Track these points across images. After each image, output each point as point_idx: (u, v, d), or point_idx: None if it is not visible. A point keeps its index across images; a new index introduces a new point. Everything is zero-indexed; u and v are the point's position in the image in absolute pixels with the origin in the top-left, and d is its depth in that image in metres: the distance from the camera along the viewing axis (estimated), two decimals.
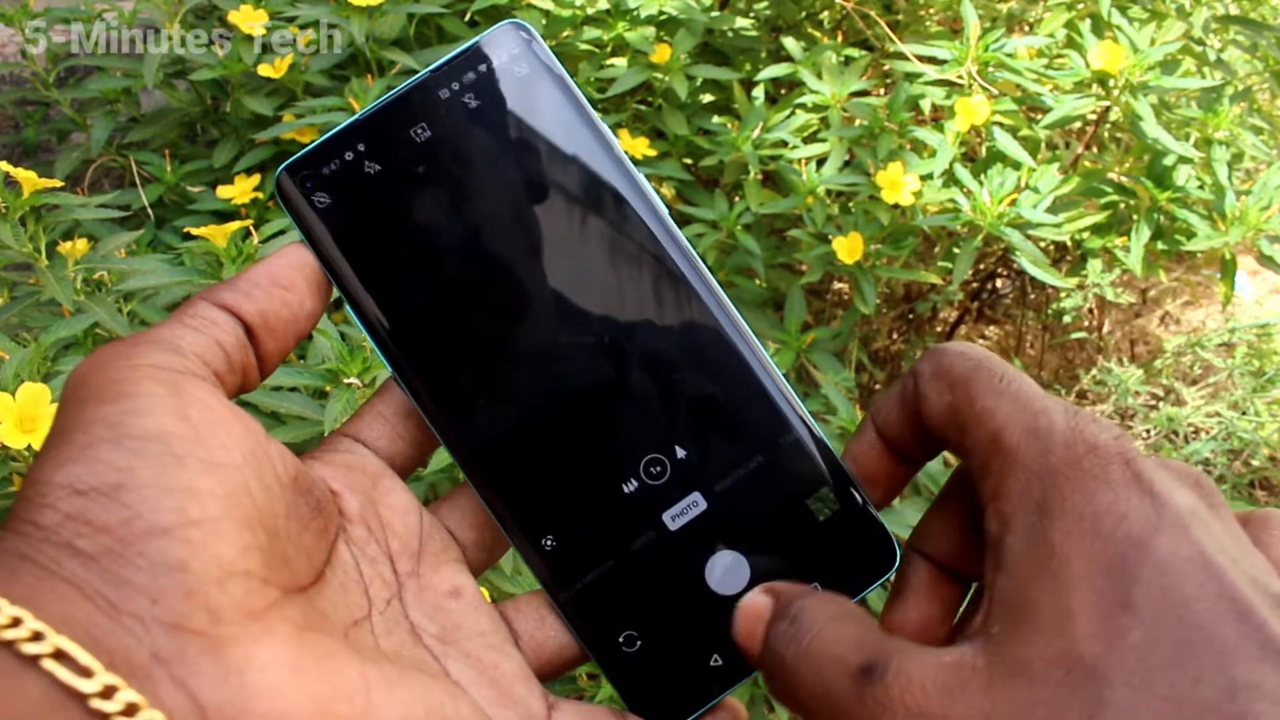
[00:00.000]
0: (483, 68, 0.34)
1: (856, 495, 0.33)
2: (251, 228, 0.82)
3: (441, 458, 0.71)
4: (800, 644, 0.28)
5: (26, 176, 0.76)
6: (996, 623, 0.26)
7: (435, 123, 0.34)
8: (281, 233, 0.87)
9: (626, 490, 0.33)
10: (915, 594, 0.32)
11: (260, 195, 1.13)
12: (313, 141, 0.34)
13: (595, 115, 0.34)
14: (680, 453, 0.34)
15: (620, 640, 0.33)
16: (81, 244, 0.83)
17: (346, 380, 0.73)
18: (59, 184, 0.78)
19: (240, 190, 1.11)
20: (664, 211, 0.34)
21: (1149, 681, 0.23)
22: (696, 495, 0.34)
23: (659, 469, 0.34)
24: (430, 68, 0.34)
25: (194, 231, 0.78)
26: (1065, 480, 0.26)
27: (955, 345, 0.30)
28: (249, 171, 1.15)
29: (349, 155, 0.33)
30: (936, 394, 0.30)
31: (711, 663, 0.33)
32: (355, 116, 0.34)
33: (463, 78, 0.34)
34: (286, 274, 0.32)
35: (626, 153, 0.34)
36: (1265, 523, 0.27)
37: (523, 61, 0.34)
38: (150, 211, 1.15)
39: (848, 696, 0.26)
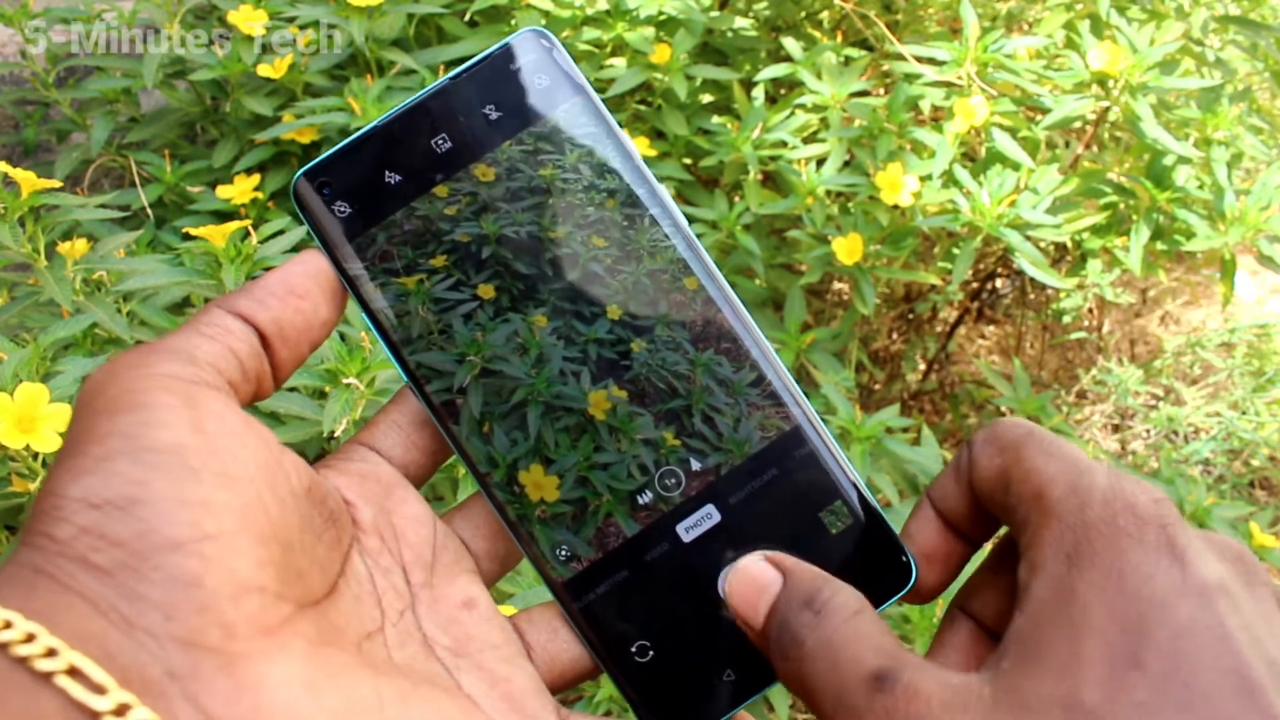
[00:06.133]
0: (502, 75, 0.34)
1: (871, 509, 0.33)
2: (251, 228, 0.82)
3: None
4: (822, 634, 0.29)
5: (25, 177, 0.75)
6: (1008, 657, 0.26)
7: (454, 130, 0.34)
8: (281, 232, 0.86)
9: (641, 501, 0.33)
10: (954, 650, 0.32)
11: (260, 195, 1.12)
12: (330, 148, 0.34)
13: (615, 123, 0.34)
14: (695, 464, 0.33)
15: (633, 652, 0.33)
16: (81, 244, 0.82)
17: (346, 380, 0.73)
18: (58, 184, 0.77)
19: (240, 190, 1.11)
20: (684, 222, 0.34)
21: None
22: (711, 507, 0.33)
23: (674, 480, 0.33)
24: (450, 75, 0.34)
25: (193, 232, 0.78)
26: (1098, 534, 0.26)
27: (1009, 419, 0.31)
28: (249, 171, 1.15)
29: (367, 162, 0.33)
30: (988, 459, 0.30)
31: (724, 677, 0.33)
32: (374, 123, 0.34)
33: (482, 85, 0.34)
34: (302, 282, 0.31)
35: (643, 160, 0.34)
36: None
37: (543, 69, 0.34)
38: (150, 211, 1.15)
39: (857, 697, 0.27)
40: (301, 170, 0.33)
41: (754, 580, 0.31)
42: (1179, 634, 0.24)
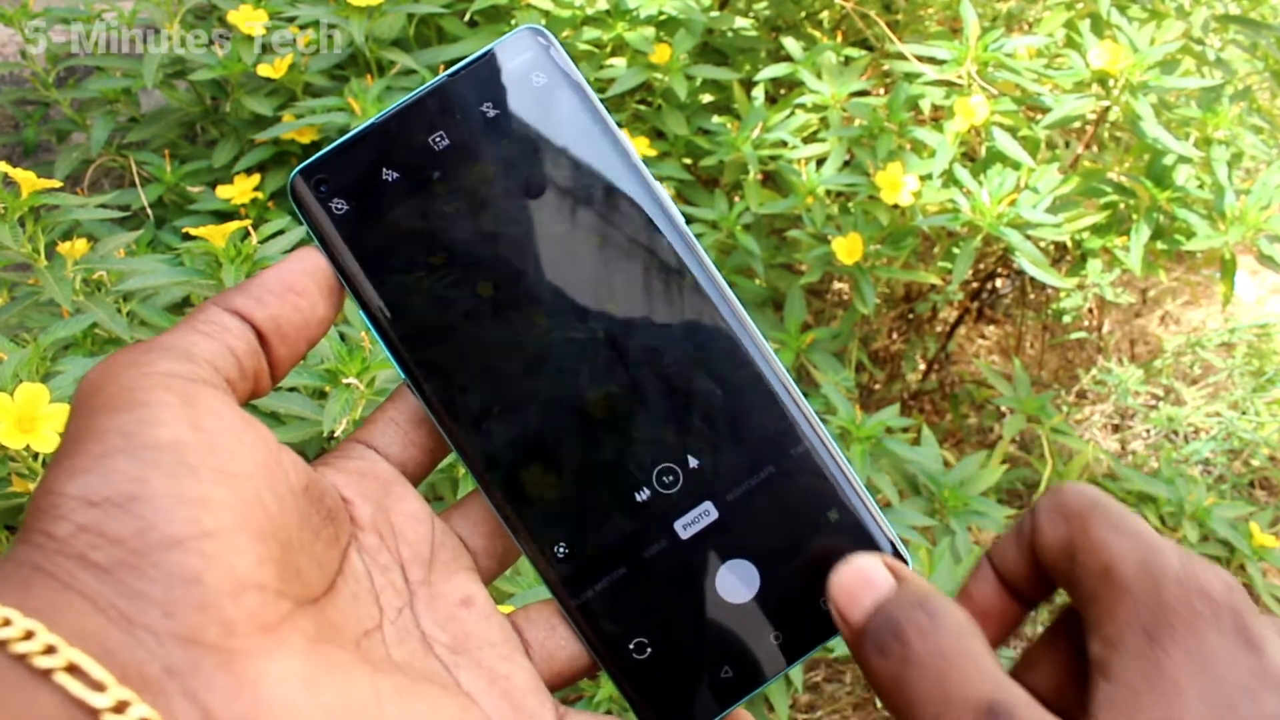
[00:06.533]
0: (500, 73, 0.34)
1: (869, 506, 0.33)
2: (251, 228, 0.82)
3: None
4: (935, 641, 0.28)
5: (25, 177, 0.75)
6: (1106, 716, 0.26)
7: (451, 128, 0.33)
8: (281, 232, 0.86)
9: (639, 498, 0.33)
10: None
11: (260, 195, 1.13)
12: (327, 145, 0.33)
13: (612, 121, 0.34)
14: (693, 462, 0.33)
15: (630, 649, 0.33)
16: (81, 244, 0.82)
17: (345, 380, 0.73)
18: (58, 184, 0.77)
19: (240, 190, 1.11)
20: (680, 220, 0.34)
21: None
22: (708, 505, 0.33)
23: (671, 478, 0.33)
24: (447, 73, 0.34)
25: (193, 232, 0.78)
26: (1175, 615, 0.26)
27: (1075, 484, 0.30)
28: (249, 171, 1.15)
29: (364, 160, 0.33)
30: (1052, 527, 0.29)
31: (722, 674, 0.33)
32: (371, 121, 0.33)
33: (479, 83, 0.34)
34: (299, 279, 0.31)
35: (643, 159, 0.34)
36: None
37: (540, 67, 0.34)
38: (150, 211, 1.15)
39: None
40: (299, 167, 0.33)
41: (866, 576, 0.30)
42: None
